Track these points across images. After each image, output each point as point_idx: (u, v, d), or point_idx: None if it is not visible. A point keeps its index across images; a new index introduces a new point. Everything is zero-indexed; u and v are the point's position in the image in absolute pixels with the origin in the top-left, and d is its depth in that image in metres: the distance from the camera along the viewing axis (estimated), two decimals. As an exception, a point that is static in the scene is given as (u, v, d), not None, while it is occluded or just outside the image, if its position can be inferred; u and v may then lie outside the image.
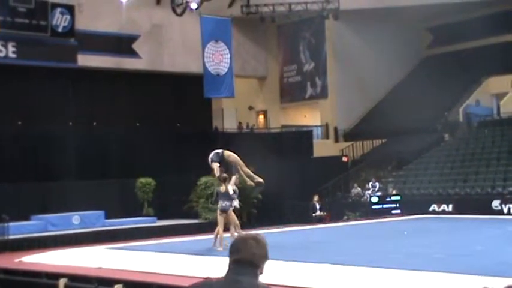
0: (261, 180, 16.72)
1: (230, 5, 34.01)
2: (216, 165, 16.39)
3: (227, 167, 16.85)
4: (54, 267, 13.07)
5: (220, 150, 16.55)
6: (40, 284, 11.75)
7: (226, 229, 17.03)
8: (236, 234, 16.75)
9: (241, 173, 16.76)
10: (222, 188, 16.73)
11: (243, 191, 19.55)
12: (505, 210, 24.32)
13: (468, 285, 9.78)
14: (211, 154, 16.51)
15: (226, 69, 31.01)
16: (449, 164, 29.39)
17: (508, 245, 15.28)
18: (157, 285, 10.48)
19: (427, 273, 10.92)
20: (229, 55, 31.17)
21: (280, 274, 11.69)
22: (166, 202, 25.95)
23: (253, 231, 3.15)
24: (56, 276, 11.38)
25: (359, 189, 28.85)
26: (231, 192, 16.68)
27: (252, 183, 16.98)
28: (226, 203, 16.70)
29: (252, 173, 16.90)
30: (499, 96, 34.24)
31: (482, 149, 29.60)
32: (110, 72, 31.34)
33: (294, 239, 19.52)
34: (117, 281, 9.86)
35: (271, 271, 12.07)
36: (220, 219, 16.68)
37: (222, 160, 16.49)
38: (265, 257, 3.19)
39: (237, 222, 17.08)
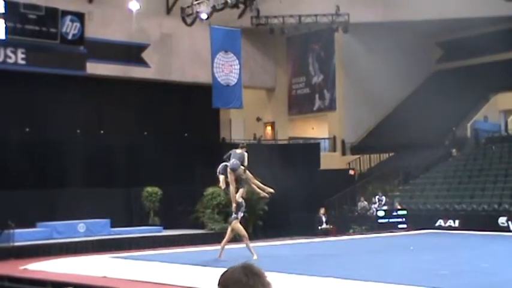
0: (271, 190, 16.81)
1: (240, 16, 34.08)
2: (222, 177, 16.46)
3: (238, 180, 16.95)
4: (59, 275, 13.05)
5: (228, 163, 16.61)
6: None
7: (235, 240, 17.35)
8: (251, 245, 16.96)
9: (253, 185, 16.83)
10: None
11: (249, 202, 19.59)
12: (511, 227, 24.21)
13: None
14: (220, 166, 16.57)
15: (235, 80, 31.06)
16: (457, 180, 29.29)
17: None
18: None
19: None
20: (238, 66, 31.23)
21: (283, 287, 11.66)
22: (172, 212, 25.95)
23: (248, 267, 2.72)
24: (62, 285, 11.37)
25: (365, 202, 28.78)
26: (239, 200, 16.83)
27: (265, 194, 17.03)
28: (233, 214, 16.99)
29: (262, 184, 16.98)
30: (507, 112, 34.16)
31: (490, 165, 29.50)
32: (119, 81, 31.40)
33: (298, 251, 19.48)
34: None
35: (274, 284, 11.92)
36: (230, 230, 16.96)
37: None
38: None
39: (245, 233, 17.12)
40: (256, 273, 2.61)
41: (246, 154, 16.65)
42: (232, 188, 16.47)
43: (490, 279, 12.28)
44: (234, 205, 16.73)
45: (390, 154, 33.99)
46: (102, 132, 30.05)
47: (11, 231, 19.63)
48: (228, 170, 16.48)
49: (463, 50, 38.09)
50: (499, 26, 35.78)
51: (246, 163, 16.50)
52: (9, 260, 18.06)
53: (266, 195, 17.02)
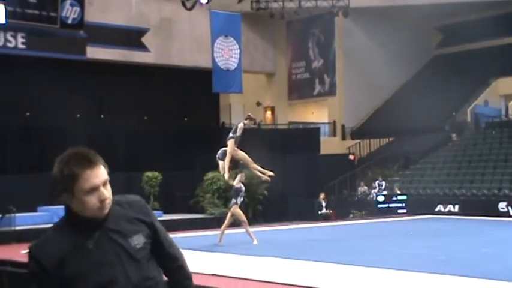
0: (272, 173, 16.83)
1: (240, 1, 33.93)
2: (221, 163, 16.47)
3: (235, 164, 16.97)
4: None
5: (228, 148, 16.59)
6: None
7: (235, 225, 17.51)
8: (251, 230, 17.05)
9: (252, 170, 16.85)
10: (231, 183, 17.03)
11: (248, 187, 19.64)
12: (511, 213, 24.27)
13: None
14: (219, 152, 16.56)
15: (235, 65, 31.05)
16: (456, 165, 29.33)
17: (513, 248, 15.24)
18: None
19: (430, 275, 10.92)
20: (238, 50, 31.20)
21: (282, 272, 11.73)
22: (172, 196, 25.98)
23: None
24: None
25: (365, 187, 28.85)
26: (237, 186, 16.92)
27: (267, 178, 17.04)
28: (232, 200, 17.09)
29: (261, 168, 17.00)
30: (508, 97, 34.15)
31: (490, 150, 29.53)
32: (119, 65, 31.37)
33: (298, 236, 19.55)
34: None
35: (273, 269, 12.06)
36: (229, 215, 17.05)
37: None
38: None
39: (245, 218, 17.19)
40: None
41: (240, 125, 16.55)
42: (227, 159, 16.36)
43: (490, 264, 12.34)
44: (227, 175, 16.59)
45: (390, 139, 34.03)
46: (102, 116, 30.07)
47: (12, 215, 19.68)
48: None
49: (463, 35, 37.98)
50: (498, 10, 35.70)
51: (238, 133, 16.34)
52: (11, 244, 18.11)
53: (267, 178, 17.05)
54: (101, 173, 2.92)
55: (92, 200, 2.87)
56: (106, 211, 2.92)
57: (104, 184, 2.92)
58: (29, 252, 2.90)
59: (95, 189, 2.87)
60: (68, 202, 2.92)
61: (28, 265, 2.90)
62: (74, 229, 2.92)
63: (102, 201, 2.89)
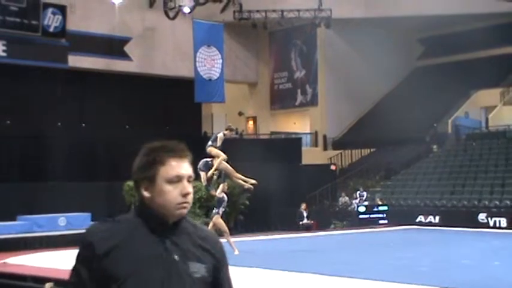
0: (254, 181, 16.85)
1: (223, 10, 34.02)
2: (203, 174, 16.48)
3: (219, 174, 16.96)
4: (40, 270, 13.02)
5: (209, 159, 16.59)
6: (26, 287, 11.71)
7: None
8: (232, 240, 16.98)
9: (234, 179, 16.86)
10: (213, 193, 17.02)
11: (230, 197, 19.62)
12: (491, 224, 24.41)
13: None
14: (200, 162, 16.54)
15: (218, 74, 31.06)
16: (437, 176, 29.48)
17: (493, 259, 15.32)
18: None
19: (411, 286, 10.95)
20: (221, 60, 31.22)
21: (263, 283, 11.71)
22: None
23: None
24: (42, 280, 11.34)
25: (346, 198, 28.90)
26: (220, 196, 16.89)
27: (249, 186, 17.03)
28: (215, 209, 17.06)
29: (243, 177, 17.00)
30: (488, 109, 34.43)
31: (470, 162, 29.73)
32: (101, 74, 31.24)
33: (279, 247, 19.54)
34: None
35: (254, 280, 12.01)
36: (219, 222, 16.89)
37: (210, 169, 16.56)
38: None
39: (226, 229, 17.13)
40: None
41: (220, 135, 16.62)
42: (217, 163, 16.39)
43: (470, 275, 12.40)
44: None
45: (371, 150, 34.17)
46: (83, 125, 29.90)
47: (-9, 224, 19.51)
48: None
49: (444, 47, 38.35)
50: (480, 23, 36.05)
51: (218, 143, 16.42)
52: (-11, 253, 17.93)
53: (250, 186, 17.05)
54: (188, 167, 2.65)
55: (174, 192, 2.59)
56: (185, 211, 2.63)
57: (189, 180, 2.64)
58: (83, 235, 2.63)
59: (179, 179, 2.61)
60: (145, 193, 2.62)
61: (79, 247, 2.63)
62: (139, 224, 2.61)
63: (184, 195, 2.61)
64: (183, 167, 2.63)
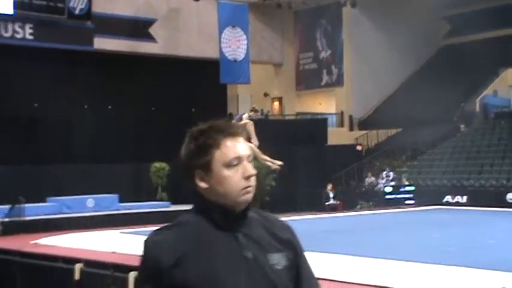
0: (281, 162, 16.93)
1: (247, -9, 33.92)
2: None
3: None
4: (70, 250, 13.18)
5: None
6: (56, 267, 11.88)
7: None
8: None
9: (261, 160, 16.91)
10: None
11: (256, 178, 19.61)
12: (520, 203, 24.24)
13: (479, 280, 9.77)
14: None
15: (243, 55, 31.02)
16: (465, 155, 29.25)
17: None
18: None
19: (438, 266, 10.92)
20: (246, 41, 31.16)
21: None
22: (180, 187, 26.03)
23: None
24: (73, 261, 11.49)
25: (373, 178, 28.82)
26: None
27: (277, 167, 17.12)
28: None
29: (270, 158, 17.07)
30: (517, 87, 34.02)
31: (498, 141, 29.42)
32: (126, 56, 31.35)
33: (305, 227, 19.50)
34: (132, 268, 9.93)
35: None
36: None
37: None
38: None
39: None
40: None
41: (245, 115, 16.74)
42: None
43: (496, 255, 12.33)
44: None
45: (398, 130, 33.95)
46: (109, 107, 30.09)
47: (22, 205, 19.78)
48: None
49: (470, 25, 37.79)
50: (507, 0, 35.50)
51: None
52: (20, 234, 18.20)
53: (277, 167, 17.14)
54: (245, 145, 2.36)
55: (235, 177, 2.30)
56: (250, 196, 2.34)
57: (249, 160, 2.35)
58: (144, 248, 2.31)
59: (239, 161, 2.31)
60: (201, 184, 2.32)
61: (142, 263, 2.31)
62: (202, 223, 2.31)
63: (247, 177, 2.32)
64: (240, 146, 2.33)
